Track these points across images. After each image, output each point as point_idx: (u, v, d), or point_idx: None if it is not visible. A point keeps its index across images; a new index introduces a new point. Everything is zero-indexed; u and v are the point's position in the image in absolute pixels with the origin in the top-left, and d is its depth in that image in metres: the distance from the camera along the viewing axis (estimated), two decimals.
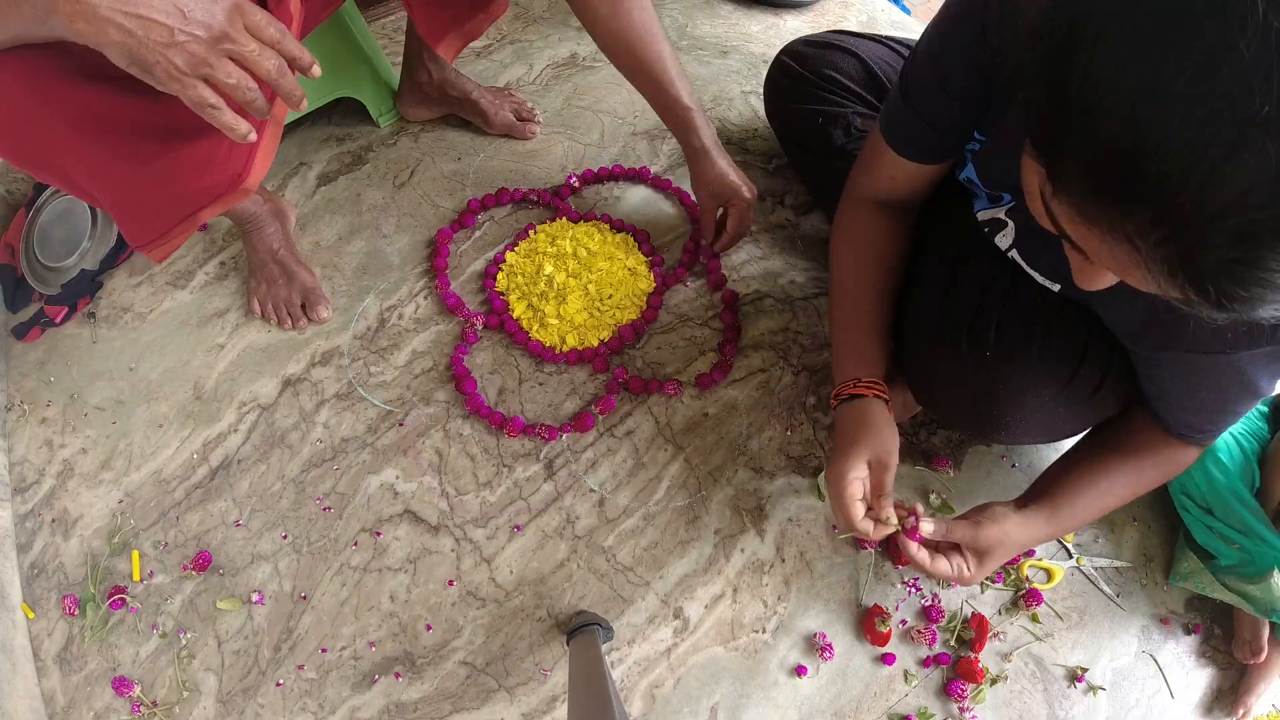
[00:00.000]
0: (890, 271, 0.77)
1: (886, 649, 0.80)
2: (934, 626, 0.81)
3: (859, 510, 0.66)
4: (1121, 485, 0.71)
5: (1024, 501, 0.71)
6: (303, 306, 0.97)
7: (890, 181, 0.76)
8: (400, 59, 1.13)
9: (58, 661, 0.80)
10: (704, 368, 0.95)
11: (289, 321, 0.97)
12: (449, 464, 0.89)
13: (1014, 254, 0.70)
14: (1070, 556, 0.87)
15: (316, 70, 0.58)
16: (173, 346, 0.97)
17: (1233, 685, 0.82)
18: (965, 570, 0.67)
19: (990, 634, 0.81)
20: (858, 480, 0.66)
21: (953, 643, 0.81)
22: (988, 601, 0.83)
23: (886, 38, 0.98)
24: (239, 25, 0.53)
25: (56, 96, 0.60)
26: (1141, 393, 0.67)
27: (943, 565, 0.66)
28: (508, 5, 0.96)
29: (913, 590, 0.83)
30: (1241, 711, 0.80)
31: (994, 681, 0.79)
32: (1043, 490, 0.72)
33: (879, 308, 0.76)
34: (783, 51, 1.00)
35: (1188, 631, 0.85)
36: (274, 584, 0.82)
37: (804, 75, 0.96)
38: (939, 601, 0.82)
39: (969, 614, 0.82)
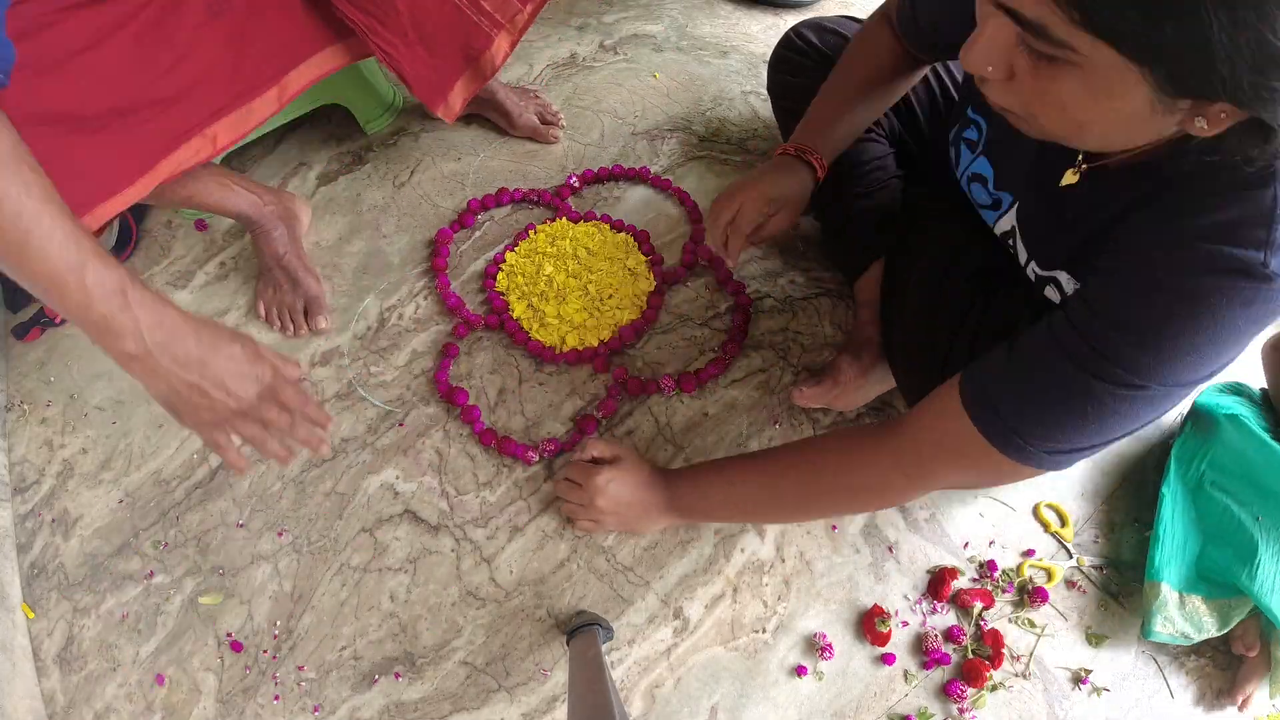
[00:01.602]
0: (886, 87, 0.80)
1: (886, 649, 0.80)
2: (941, 647, 0.81)
3: (721, 223, 0.79)
4: (821, 468, 0.67)
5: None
6: (305, 313, 0.97)
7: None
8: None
9: (58, 661, 0.80)
10: (702, 367, 0.95)
11: (290, 328, 0.97)
12: (449, 464, 0.89)
13: (1015, 242, 0.68)
14: (1070, 556, 0.87)
15: (326, 431, 0.66)
16: None
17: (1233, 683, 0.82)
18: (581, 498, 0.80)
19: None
20: (742, 206, 0.78)
21: (969, 656, 0.81)
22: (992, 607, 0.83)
23: None
24: (269, 402, 0.61)
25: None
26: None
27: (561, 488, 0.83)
28: (495, 69, 0.91)
29: (935, 609, 0.83)
30: (1241, 699, 0.80)
31: (994, 689, 0.79)
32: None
33: (858, 108, 0.80)
34: (792, 29, 0.98)
35: None
36: (274, 584, 0.82)
37: (807, 54, 0.95)
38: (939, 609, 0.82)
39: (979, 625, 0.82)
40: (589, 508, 0.79)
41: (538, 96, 1.17)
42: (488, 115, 1.14)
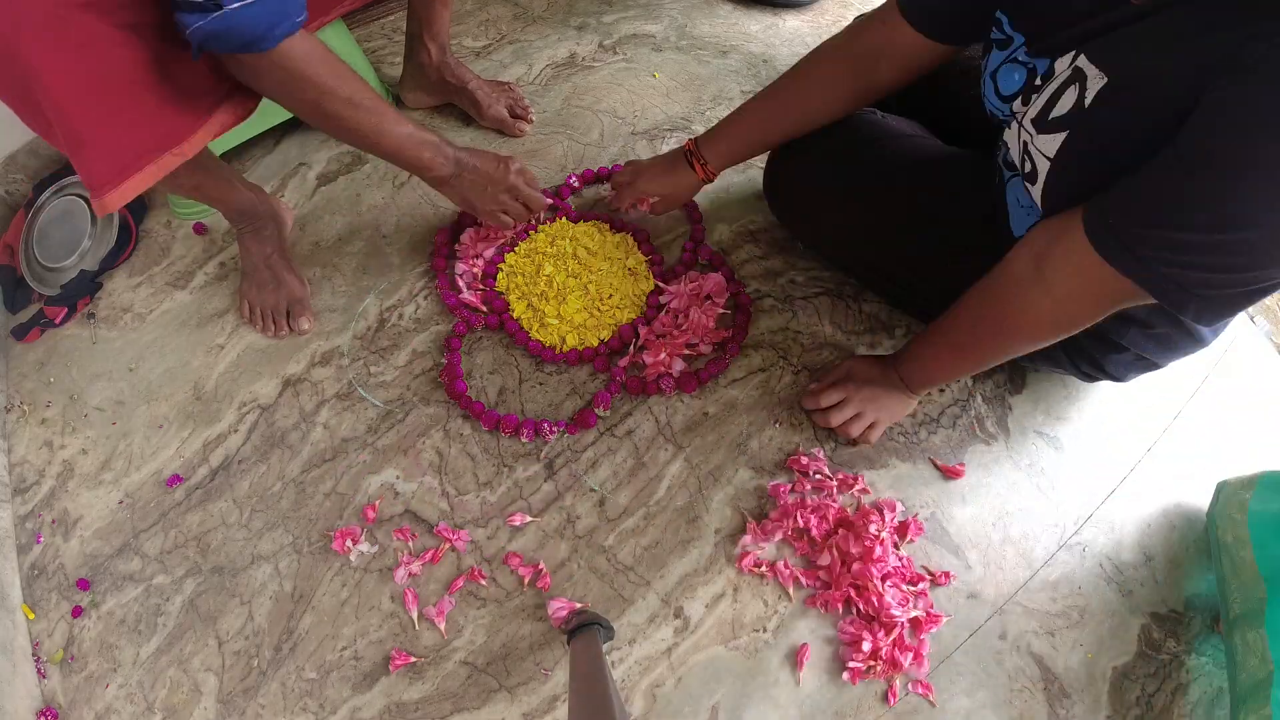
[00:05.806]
0: (831, 107, 0.83)
1: None
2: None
3: (624, 200, 0.98)
4: (967, 304, 0.72)
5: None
6: (288, 314, 0.97)
7: (888, 52, 0.75)
8: (400, 60, 1.13)
9: (58, 662, 0.80)
10: (702, 367, 0.95)
11: (272, 329, 0.97)
12: (449, 464, 0.89)
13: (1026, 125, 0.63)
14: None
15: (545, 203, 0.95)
16: (173, 347, 0.97)
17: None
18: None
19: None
20: (640, 190, 0.96)
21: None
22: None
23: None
24: (519, 181, 0.91)
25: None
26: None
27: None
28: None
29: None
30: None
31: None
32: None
33: (790, 124, 0.85)
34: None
35: (1188, 631, 0.85)
36: (274, 584, 0.82)
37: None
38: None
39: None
40: (856, 406, 0.87)
41: (512, 90, 1.16)
42: (460, 104, 1.15)
